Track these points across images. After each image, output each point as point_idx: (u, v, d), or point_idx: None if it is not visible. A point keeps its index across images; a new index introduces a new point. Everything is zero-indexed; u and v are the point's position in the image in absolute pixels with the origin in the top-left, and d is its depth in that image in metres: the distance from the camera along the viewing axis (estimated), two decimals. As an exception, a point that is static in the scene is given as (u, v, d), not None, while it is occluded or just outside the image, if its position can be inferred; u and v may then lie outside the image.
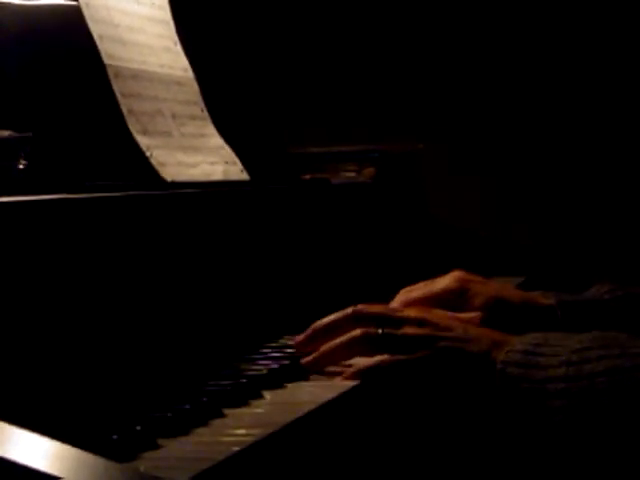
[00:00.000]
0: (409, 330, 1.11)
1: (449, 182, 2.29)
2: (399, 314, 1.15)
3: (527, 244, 2.08)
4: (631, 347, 1.05)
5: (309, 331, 1.15)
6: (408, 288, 1.31)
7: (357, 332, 1.11)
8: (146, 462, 0.78)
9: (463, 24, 2.38)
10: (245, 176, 1.47)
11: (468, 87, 2.39)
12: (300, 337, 1.16)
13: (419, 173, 1.96)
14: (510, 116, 2.36)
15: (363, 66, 2.44)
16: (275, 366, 1.11)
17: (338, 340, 1.11)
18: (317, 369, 1.12)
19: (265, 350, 1.20)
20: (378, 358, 1.10)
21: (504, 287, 1.32)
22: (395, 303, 1.28)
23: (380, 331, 1.10)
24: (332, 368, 1.12)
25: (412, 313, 1.15)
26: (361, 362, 1.11)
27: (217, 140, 1.48)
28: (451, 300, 1.27)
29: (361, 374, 1.08)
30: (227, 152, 1.48)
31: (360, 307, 1.14)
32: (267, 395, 1.01)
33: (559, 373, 1.05)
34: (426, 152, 1.97)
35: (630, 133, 2.25)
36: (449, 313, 1.21)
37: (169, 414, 0.88)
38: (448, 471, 1.31)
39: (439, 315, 1.16)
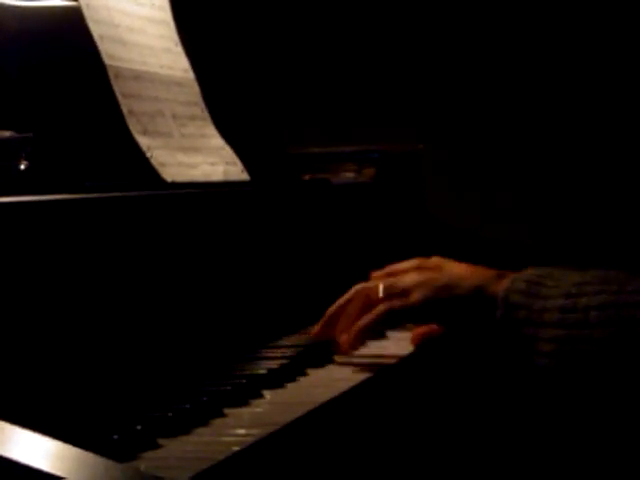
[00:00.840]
0: (421, 296, 1.16)
1: (449, 182, 2.29)
2: (403, 282, 1.19)
3: (527, 244, 2.08)
4: (628, 285, 1.07)
5: (325, 318, 1.21)
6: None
7: (384, 308, 1.16)
8: (146, 462, 0.78)
9: (463, 24, 2.38)
10: (245, 176, 1.47)
11: (468, 87, 2.39)
12: (317, 327, 1.22)
13: (419, 173, 1.96)
14: (510, 116, 2.36)
15: (363, 66, 2.44)
16: (275, 366, 1.11)
17: (368, 318, 1.16)
18: (352, 347, 1.17)
19: (265, 350, 1.21)
20: (374, 310, 1.16)
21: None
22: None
23: (380, 287, 1.18)
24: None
25: (413, 278, 1.20)
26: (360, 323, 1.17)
27: (217, 140, 1.48)
28: None
29: (365, 330, 1.14)
30: (227, 152, 1.48)
31: (360, 285, 1.21)
32: (267, 395, 1.01)
33: (557, 304, 1.08)
34: (426, 152, 1.97)
35: (629, 131, 2.25)
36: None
37: (169, 414, 0.88)
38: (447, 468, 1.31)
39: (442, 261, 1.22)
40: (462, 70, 2.39)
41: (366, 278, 1.29)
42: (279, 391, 1.04)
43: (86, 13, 1.33)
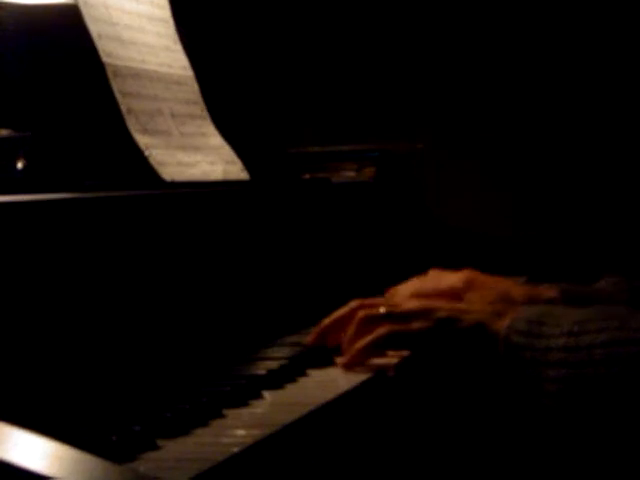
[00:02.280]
0: (423, 324, 1.14)
1: (449, 182, 2.29)
2: (402, 308, 1.18)
3: (528, 243, 2.07)
4: (630, 320, 1.07)
5: (319, 329, 1.20)
6: (415, 281, 1.33)
7: (384, 331, 1.14)
8: (145, 463, 0.78)
9: (463, 24, 2.38)
10: (245, 176, 1.47)
11: (468, 87, 2.38)
12: (310, 336, 1.20)
13: (419, 173, 1.96)
14: (510, 115, 2.36)
15: (363, 66, 2.44)
16: (274, 366, 1.11)
17: (369, 339, 1.14)
18: (351, 365, 1.15)
19: (265, 350, 1.20)
20: (374, 332, 1.14)
21: (509, 283, 1.33)
22: (402, 296, 1.30)
23: (382, 310, 1.15)
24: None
25: (413, 304, 1.19)
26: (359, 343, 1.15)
27: (217, 139, 1.48)
28: (457, 298, 1.28)
29: (362, 352, 1.12)
30: (227, 151, 1.47)
31: (360, 300, 1.19)
32: (267, 395, 1.01)
33: (559, 343, 1.06)
34: (426, 152, 1.97)
35: (629, 131, 2.25)
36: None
37: (169, 414, 0.88)
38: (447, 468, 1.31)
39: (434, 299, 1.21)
40: (462, 70, 2.39)
41: (366, 277, 1.29)
42: (279, 392, 1.03)
43: (84, 11, 1.32)
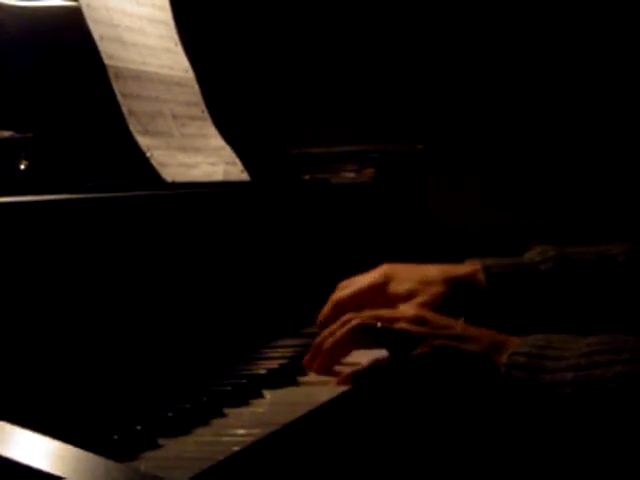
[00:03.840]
0: (405, 326, 1.10)
1: (449, 182, 2.29)
2: (395, 312, 1.15)
3: (527, 244, 2.08)
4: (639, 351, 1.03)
5: (312, 348, 1.14)
6: (342, 284, 1.31)
7: (353, 323, 1.11)
8: (147, 462, 0.78)
9: (462, 24, 2.38)
10: (245, 176, 1.47)
11: (468, 88, 2.39)
12: (307, 357, 1.14)
13: (419, 173, 1.96)
14: (510, 116, 2.36)
15: (363, 67, 2.44)
16: (275, 366, 1.11)
17: (336, 335, 1.11)
18: (321, 370, 1.11)
19: (265, 350, 1.21)
20: (372, 359, 1.09)
21: (425, 267, 1.30)
22: (326, 307, 1.27)
23: (379, 324, 1.10)
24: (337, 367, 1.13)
25: (409, 311, 1.15)
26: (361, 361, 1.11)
27: (218, 141, 1.48)
28: (378, 293, 1.26)
29: (355, 377, 1.07)
30: (227, 153, 1.48)
31: (352, 315, 1.14)
32: (267, 395, 1.01)
33: (567, 377, 1.02)
34: (426, 152, 1.97)
35: (629, 131, 2.25)
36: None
37: (169, 414, 0.88)
38: (447, 468, 1.31)
39: (436, 315, 1.15)
40: (462, 70, 2.39)
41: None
42: (279, 391, 1.04)
43: (86, 13, 1.33)
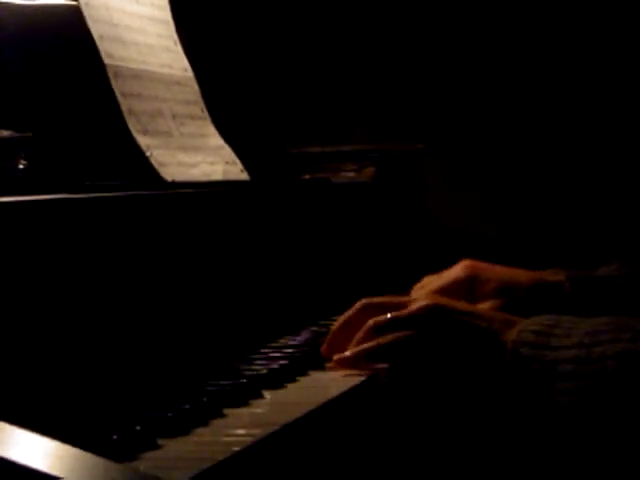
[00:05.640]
0: (416, 310, 1.11)
1: (449, 182, 2.29)
2: (405, 299, 1.16)
3: (527, 244, 2.08)
4: None
5: (329, 336, 1.16)
6: (418, 285, 1.32)
7: (369, 323, 1.12)
8: (146, 462, 0.78)
9: (463, 24, 2.38)
10: (245, 176, 1.47)
11: (468, 87, 2.39)
12: (324, 346, 1.16)
13: (419, 173, 1.96)
14: (509, 115, 2.36)
15: (363, 66, 2.44)
16: (275, 366, 1.11)
17: (355, 338, 1.12)
18: (333, 353, 1.13)
19: (265, 350, 1.20)
20: (378, 339, 1.11)
21: (513, 270, 1.31)
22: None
23: (388, 315, 1.11)
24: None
25: (419, 297, 1.17)
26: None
27: (217, 140, 1.48)
28: (462, 290, 1.27)
29: (362, 355, 1.09)
30: (227, 152, 1.48)
31: (366, 299, 1.16)
32: (267, 395, 1.01)
33: (570, 355, 1.04)
34: (426, 152, 1.97)
35: (629, 131, 2.25)
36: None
37: (169, 414, 0.88)
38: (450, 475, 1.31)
39: (447, 298, 1.17)
40: (462, 70, 2.39)
41: (366, 277, 1.29)
42: (279, 391, 1.04)
43: (85, 12, 1.33)
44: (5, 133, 1.08)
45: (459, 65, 2.39)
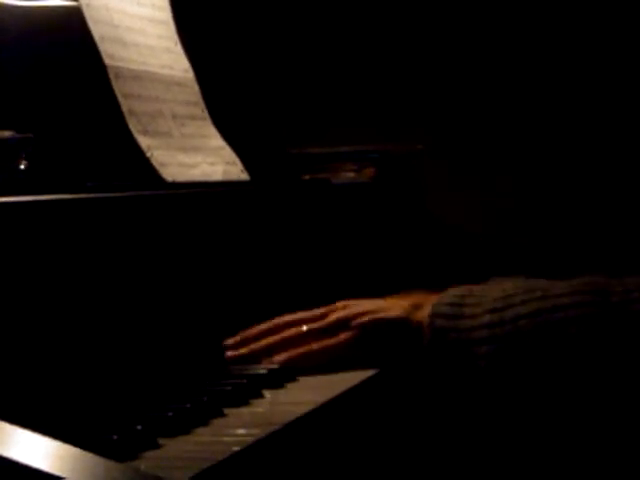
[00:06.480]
0: (330, 318, 1.17)
1: (449, 182, 2.29)
2: (321, 310, 1.20)
3: (527, 244, 2.08)
4: (552, 289, 1.08)
5: (238, 337, 1.18)
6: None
7: (290, 332, 1.16)
8: (147, 461, 0.78)
9: (463, 24, 2.38)
10: (245, 176, 1.48)
11: (468, 88, 2.39)
12: (231, 344, 1.18)
13: (419, 173, 1.96)
14: (510, 116, 2.36)
15: (363, 66, 2.44)
16: (275, 366, 1.11)
17: (280, 335, 1.16)
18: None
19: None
20: (303, 347, 1.14)
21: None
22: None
23: (304, 328, 1.16)
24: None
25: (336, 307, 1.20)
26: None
27: (217, 140, 1.48)
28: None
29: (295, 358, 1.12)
30: (227, 152, 1.48)
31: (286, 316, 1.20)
32: (267, 395, 1.01)
33: (484, 321, 1.08)
34: (426, 152, 1.97)
35: (629, 131, 2.25)
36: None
37: (169, 414, 0.88)
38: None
39: (358, 301, 1.21)
40: (462, 70, 2.39)
41: (365, 277, 1.29)
42: (279, 391, 1.04)
43: (86, 13, 1.33)
44: (6, 134, 1.08)
45: (459, 66, 2.39)
